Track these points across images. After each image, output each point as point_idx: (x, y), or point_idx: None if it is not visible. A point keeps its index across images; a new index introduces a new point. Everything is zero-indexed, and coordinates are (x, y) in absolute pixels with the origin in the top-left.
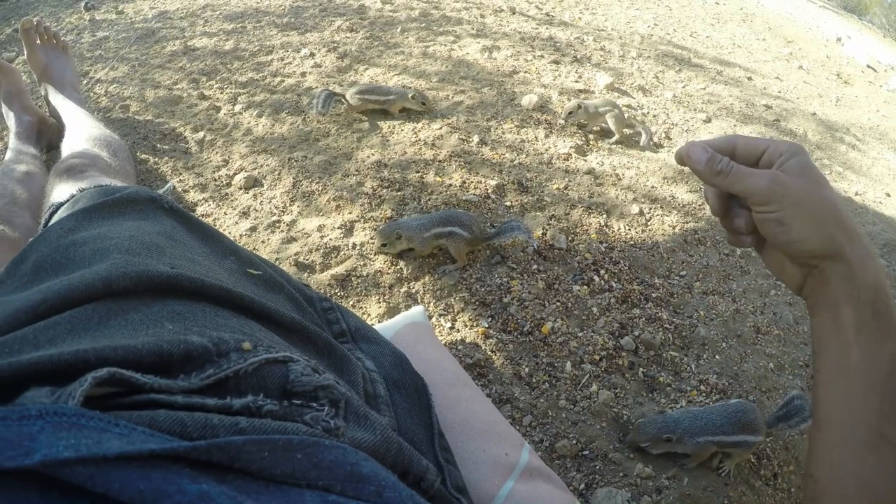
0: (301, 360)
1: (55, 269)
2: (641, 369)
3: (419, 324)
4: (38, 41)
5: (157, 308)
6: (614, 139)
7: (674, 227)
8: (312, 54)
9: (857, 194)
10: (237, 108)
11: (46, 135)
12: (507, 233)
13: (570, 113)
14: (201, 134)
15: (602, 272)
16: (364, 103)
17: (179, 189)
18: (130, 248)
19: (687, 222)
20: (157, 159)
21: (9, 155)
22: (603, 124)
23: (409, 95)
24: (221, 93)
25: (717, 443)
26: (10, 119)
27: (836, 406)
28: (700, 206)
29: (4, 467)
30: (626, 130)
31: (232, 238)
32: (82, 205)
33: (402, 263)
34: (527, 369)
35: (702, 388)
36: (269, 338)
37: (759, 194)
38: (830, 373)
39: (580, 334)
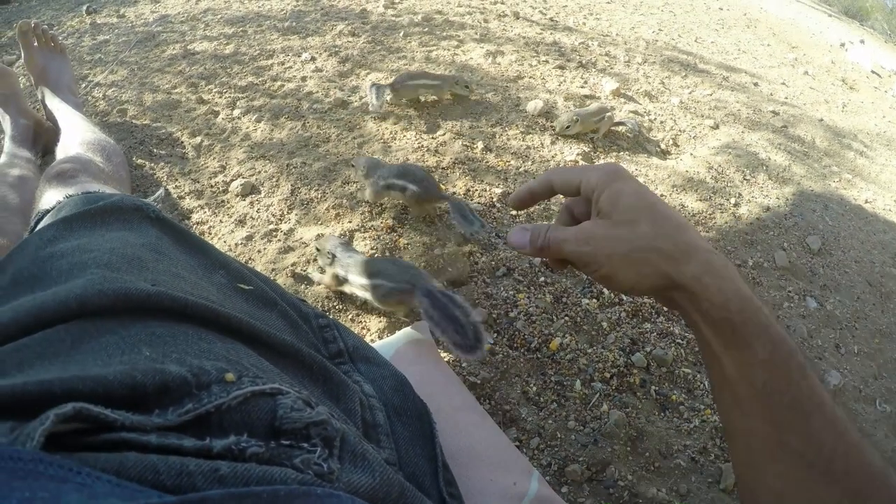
0: (291, 391)
1: (31, 284)
2: (654, 387)
3: (421, 340)
4: (36, 44)
5: (136, 330)
6: (598, 136)
7: None
8: (313, 59)
9: (866, 202)
10: (236, 112)
11: (43, 138)
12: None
13: (566, 127)
14: (199, 139)
15: None
16: (414, 90)
17: (175, 195)
18: (110, 262)
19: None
20: (152, 164)
21: (3, 159)
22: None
23: (455, 81)
24: (220, 97)
25: None
26: (6, 122)
27: (732, 422)
28: (710, 215)
29: None
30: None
31: (227, 248)
32: (65, 213)
33: None
34: (534, 388)
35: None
36: (258, 364)
37: (575, 260)
38: (716, 389)
39: (590, 351)
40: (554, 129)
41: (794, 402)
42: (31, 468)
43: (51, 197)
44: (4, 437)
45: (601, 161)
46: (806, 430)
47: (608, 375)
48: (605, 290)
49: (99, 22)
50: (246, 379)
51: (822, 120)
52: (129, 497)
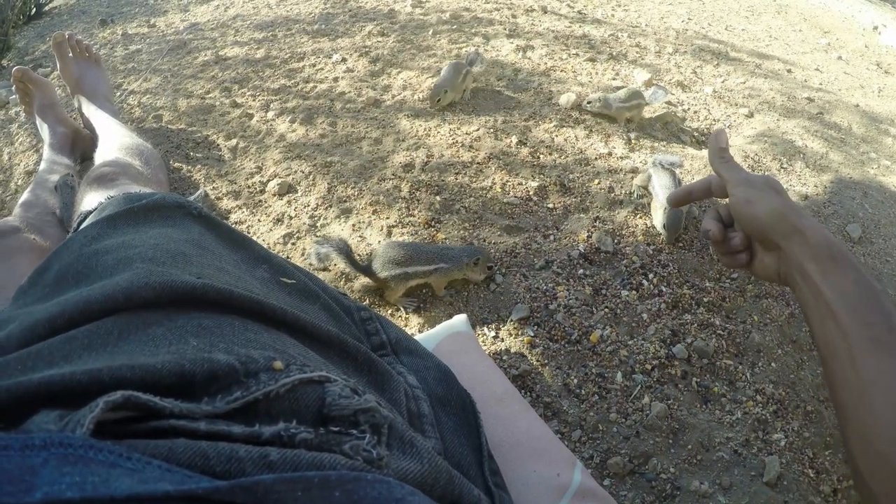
0: (339, 379)
1: (77, 279)
2: (695, 379)
3: (462, 333)
4: (71, 54)
5: (182, 322)
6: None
7: None
8: (344, 59)
9: None
10: (270, 114)
11: (80, 146)
12: None
13: (588, 102)
14: (234, 141)
15: (651, 276)
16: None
17: (213, 196)
18: (155, 256)
19: None
20: (190, 167)
21: (43, 165)
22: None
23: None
24: (254, 100)
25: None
26: (45, 130)
27: (831, 338)
28: None
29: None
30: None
31: (266, 245)
32: (108, 212)
33: None
34: (575, 380)
35: (758, 398)
36: (304, 354)
37: (736, 178)
38: (817, 318)
39: (630, 342)
40: (587, 122)
41: (881, 305)
42: (81, 454)
43: (92, 199)
44: (53, 424)
45: (636, 153)
46: (891, 324)
47: (649, 367)
48: (644, 282)
49: (130, 32)
50: (294, 367)
51: (857, 105)
52: (179, 482)
